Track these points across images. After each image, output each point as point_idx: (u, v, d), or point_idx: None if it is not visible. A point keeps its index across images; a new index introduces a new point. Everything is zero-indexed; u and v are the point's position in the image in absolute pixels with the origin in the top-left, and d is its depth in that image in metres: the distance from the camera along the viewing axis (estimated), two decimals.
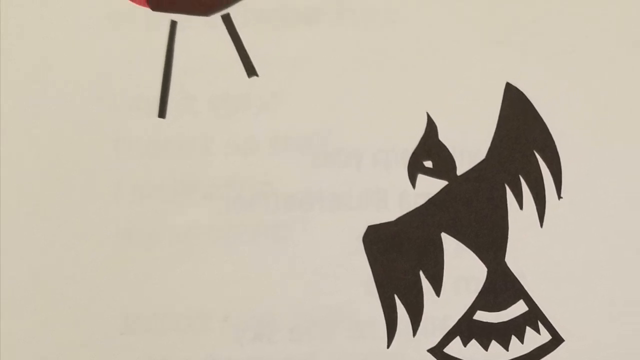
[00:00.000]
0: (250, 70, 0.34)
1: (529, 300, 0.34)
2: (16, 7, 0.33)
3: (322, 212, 0.34)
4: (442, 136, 0.34)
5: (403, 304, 0.34)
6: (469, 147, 0.34)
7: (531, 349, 0.34)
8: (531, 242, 0.34)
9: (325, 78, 0.34)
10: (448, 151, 0.34)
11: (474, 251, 0.34)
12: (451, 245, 0.34)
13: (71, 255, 0.33)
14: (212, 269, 0.34)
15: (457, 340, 0.34)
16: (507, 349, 0.34)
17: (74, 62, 0.33)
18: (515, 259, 0.34)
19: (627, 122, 0.34)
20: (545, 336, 0.34)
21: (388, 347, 0.34)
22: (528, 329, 0.34)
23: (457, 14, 0.34)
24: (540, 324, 0.34)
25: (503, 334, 0.34)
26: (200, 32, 0.34)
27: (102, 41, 0.33)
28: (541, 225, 0.34)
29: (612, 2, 0.34)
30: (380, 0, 0.34)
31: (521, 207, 0.34)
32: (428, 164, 0.34)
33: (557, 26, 0.34)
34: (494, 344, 0.34)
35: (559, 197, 0.34)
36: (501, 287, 0.34)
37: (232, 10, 0.34)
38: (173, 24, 0.34)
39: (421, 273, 0.34)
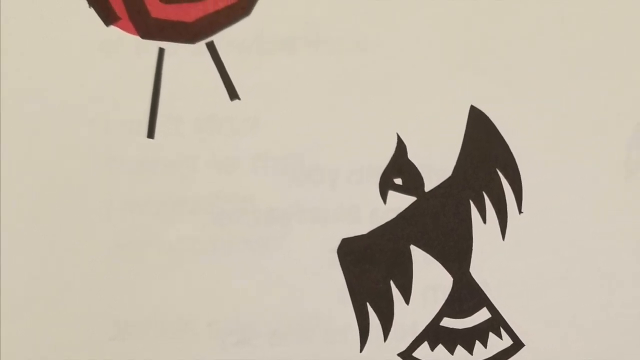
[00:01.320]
0: (233, 94, 0.34)
1: (491, 308, 0.35)
2: (17, 35, 0.34)
3: (300, 226, 0.35)
4: (411, 155, 0.34)
5: (375, 311, 0.35)
6: (436, 166, 0.35)
7: (494, 353, 0.35)
8: (494, 254, 0.35)
9: (302, 102, 0.34)
10: (416, 169, 0.34)
11: (440, 262, 0.35)
12: (419, 257, 0.35)
13: (66, 265, 0.34)
14: (198, 278, 0.34)
15: (425, 345, 0.35)
16: (471, 353, 0.35)
17: (69, 87, 0.34)
18: (479, 270, 0.35)
19: (581, 142, 0.35)
20: (507, 341, 0.35)
21: (361, 351, 0.35)
22: (491, 334, 0.35)
23: (424, 42, 0.34)
24: (502, 330, 0.35)
25: (468, 339, 0.35)
26: (186, 58, 0.34)
27: (96, 67, 0.34)
28: (503, 238, 0.35)
29: (566, 32, 0.34)
30: (351, 30, 0.34)
31: (484, 221, 0.35)
32: (398, 181, 0.34)
33: (517, 53, 0.34)
34: (459, 349, 0.35)
35: (520, 211, 0.35)
36: (466, 295, 0.35)
37: (216, 39, 0.34)
38: (161, 51, 0.34)
39: (391, 282, 0.35)
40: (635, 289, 0.35)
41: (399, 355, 0.35)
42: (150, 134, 0.34)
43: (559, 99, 0.35)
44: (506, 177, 0.35)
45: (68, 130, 0.34)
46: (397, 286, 0.35)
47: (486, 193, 0.35)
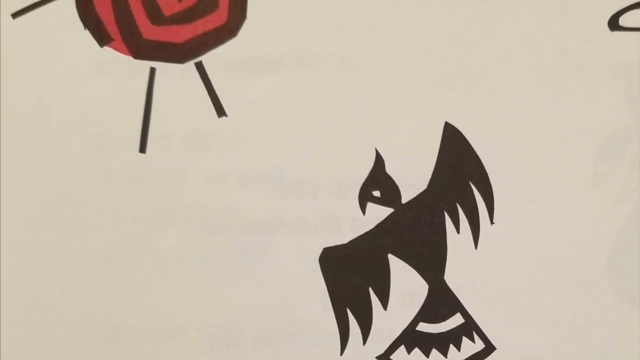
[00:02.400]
0: (220, 111, 0.35)
1: (465, 314, 0.35)
2: (17, 55, 0.34)
3: (284, 236, 0.35)
4: (389, 169, 0.35)
5: (354, 316, 0.35)
6: (412, 179, 0.35)
7: (467, 356, 0.36)
8: (467, 262, 0.35)
9: (286, 118, 0.34)
10: (394, 182, 0.35)
11: (416, 270, 0.35)
12: (397, 265, 0.35)
13: (63, 272, 0.35)
14: (187, 285, 0.35)
15: (402, 349, 0.35)
16: (446, 356, 0.35)
17: (66, 104, 0.34)
18: (453, 277, 0.35)
19: (550, 156, 0.35)
20: (479, 345, 0.35)
21: (341, 354, 0.35)
22: (464, 338, 0.35)
23: (401, 62, 0.34)
24: (474, 334, 0.35)
25: (442, 343, 0.35)
26: (176, 77, 0.34)
27: (91, 85, 0.34)
28: (476, 247, 0.35)
29: (535, 53, 0.34)
30: (332, 51, 0.34)
31: (458, 232, 0.35)
32: (376, 193, 0.35)
33: (489, 73, 0.34)
34: (434, 352, 0.35)
35: (492, 222, 0.35)
36: (440, 301, 0.35)
37: (204, 59, 0.34)
38: (152, 71, 0.34)
39: (370, 289, 0.35)
40: (601, 296, 0.35)
41: (377, 358, 0.35)
42: (142, 148, 0.35)
43: (528, 116, 0.35)
44: (479, 190, 0.35)
45: (65, 144, 0.34)
46: (375, 293, 0.35)
47: (460, 205, 0.35)
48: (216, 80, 0.35)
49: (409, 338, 0.35)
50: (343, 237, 0.35)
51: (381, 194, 0.35)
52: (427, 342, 0.35)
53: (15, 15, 0.34)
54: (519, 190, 0.35)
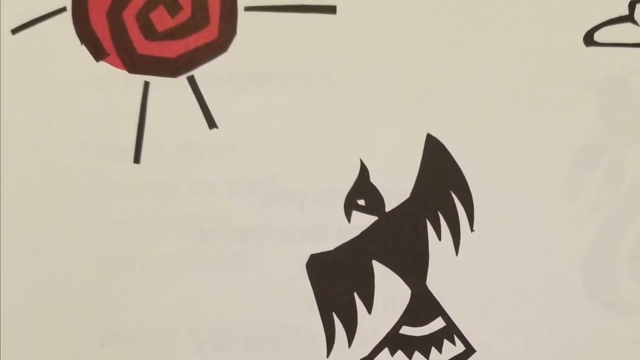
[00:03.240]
0: (211, 123, 0.35)
1: (446, 317, 0.35)
2: (17, 70, 0.34)
3: (272, 243, 0.35)
4: (373, 179, 0.35)
5: (340, 320, 0.35)
6: (395, 188, 0.35)
7: (448, 358, 0.36)
8: (448, 268, 0.35)
9: (274, 130, 0.35)
10: (378, 191, 0.35)
11: (399, 276, 0.35)
12: (380, 271, 0.35)
13: (61, 278, 0.35)
14: (179, 290, 0.35)
15: (386, 351, 0.35)
16: (427, 358, 0.35)
17: (64, 116, 0.34)
18: (434, 282, 0.35)
19: (528, 167, 0.35)
20: (459, 347, 0.36)
21: (327, 356, 0.35)
22: (445, 341, 0.36)
23: (385, 77, 0.35)
24: (455, 337, 0.35)
25: (424, 345, 0.36)
26: (169, 91, 0.35)
27: (87, 99, 0.34)
28: (456, 254, 0.35)
29: (513, 68, 0.35)
30: (317, 67, 0.35)
31: (440, 239, 0.35)
32: (361, 202, 0.35)
33: (469, 88, 0.35)
34: (416, 354, 0.36)
35: (472, 230, 0.35)
36: (423, 306, 0.35)
37: (196, 73, 0.35)
38: (146, 84, 0.35)
39: (355, 294, 0.35)
40: (577, 301, 0.35)
41: None
42: (137, 159, 0.35)
43: (507, 128, 0.35)
44: (459, 199, 0.35)
45: (62, 155, 0.34)
46: (360, 297, 0.35)
47: (441, 213, 0.35)
48: (207, 93, 0.35)
49: (393, 341, 0.35)
50: (329, 244, 0.35)
51: (366, 203, 0.35)
52: (409, 345, 0.35)
53: (14, 31, 0.34)
54: (498, 199, 0.35)
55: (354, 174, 0.35)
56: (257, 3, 0.35)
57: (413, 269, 0.35)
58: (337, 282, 0.35)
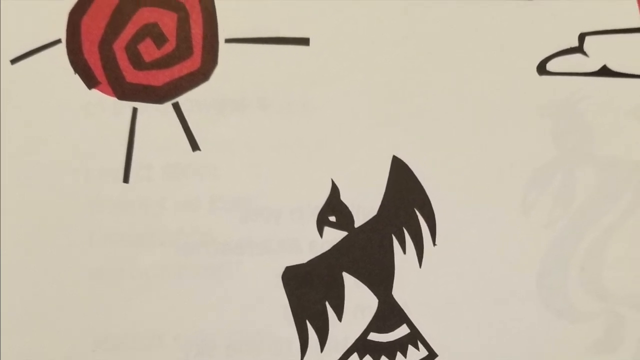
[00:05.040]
0: (194, 146, 0.35)
1: (410, 324, 0.36)
2: (16, 98, 0.35)
3: (250, 256, 0.35)
4: (343, 197, 0.36)
5: (313, 327, 0.36)
6: (364, 206, 0.36)
7: None
8: (412, 279, 0.36)
9: (253, 153, 0.35)
10: (348, 209, 0.35)
11: (368, 286, 0.36)
12: (350, 282, 0.36)
13: (57, 288, 0.35)
14: (165, 299, 0.35)
15: (355, 356, 0.36)
16: None
17: (58, 140, 0.35)
18: (400, 292, 0.36)
19: (486, 186, 0.36)
20: (423, 352, 0.36)
21: None
22: (410, 346, 0.36)
23: (353, 105, 0.35)
24: (419, 343, 0.36)
25: (390, 351, 0.36)
26: (155, 116, 0.35)
27: (80, 123, 0.35)
28: (420, 266, 0.36)
29: (471, 93, 0.35)
30: (292, 94, 0.35)
31: (405, 252, 0.36)
32: (332, 218, 0.35)
33: (430, 113, 0.36)
34: (383, 359, 0.36)
35: (434, 244, 0.36)
36: (389, 314, 0.36)
37: (180, 100, 0.35)
38: (134, 110, 0.35)
39: (327, 303, 0.36)
40: (532, 309, 0.36)
41: None
42: (126, 179, 0.35)
43: (466, 150, 0.36)
44: (422, 215, 0.36)
45: (58, 175, 0.35)
46: (331, 306, 0.36)
47: (406, 229, 0.36)
48: (191, 118, 0.35)
49: (361, 346, 0.36)
50: (303, 257, 0.36)
51: (337, 219, 0.35)
52: (377, 350, 0.36)
53: (13, 61, 0.35)
54: (458, 216, 0.36)
55: (325, 192, 0.35)
56: (236, 35, 0.35)
57: (380, 280, 0.36)
58: (310, 292, 0.36)
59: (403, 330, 0.36)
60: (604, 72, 0.36)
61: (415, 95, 0.36)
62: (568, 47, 0.36)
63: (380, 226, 0.36)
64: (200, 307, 0.36)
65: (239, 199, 0.35)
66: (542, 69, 0.36)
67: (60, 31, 0.35)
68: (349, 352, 0.36)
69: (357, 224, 0.36)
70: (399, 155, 0.36)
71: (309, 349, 0.36)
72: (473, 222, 0.36)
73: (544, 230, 0.36)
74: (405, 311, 0.36)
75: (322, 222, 0.36)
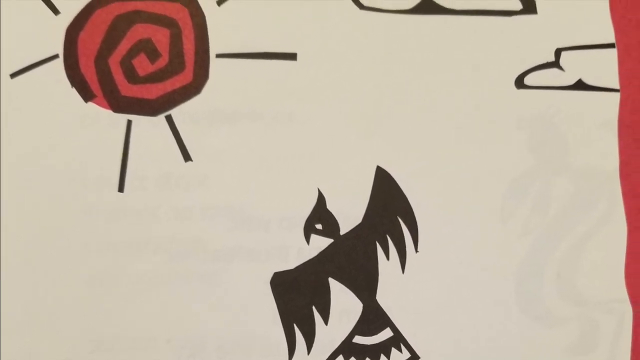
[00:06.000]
0: (187, 157, 0.36)
1: (393, 328, 0.36)
2: (15, 110, 0.35)
3: (240, 262, 0.36)
4: (329, 206, 0.36)
5: (300, 330, 0.36)
6: (349, 214, 0.36)
7: None
8: (395, 284, 0.36)
9: (242, 163, 0.36)
10: (333, 217, 0.36)
11: (352, 291, 0.36)
12: (336, 287, 0.36)
13: (55, 293, 0.36)
14: (159, 303, 0.36)
15: (341, 358, 0.36)
16: None
17: (56, 151, 0.35)
18: (383, 297, 0.36)
19: (466, 195, 0.36)
20: (405, 354, 0.37)
21: None
22: (393, 349, 0.36)
23: (339, 117, 0.36)
24: (402, 345, 0.36)
25: (375, 353, 0.36)
26: (149, 128, 0.36)
27: (77, 135, 0.35)
28: (403, 272, 0.36)
29: (453, 106, 0.36)
30: (280, 107, 0.36)
31: (388, 259, 0.36)
32: (319, 226, 0.36)
33: (414, 124, 0.36)
34: None
35: (416, 251, 0.36)
36: (373, 318, 0.36)
37: (173, 112, 0.36)
38: (129, 122, 0.35)
39: (314, 307, 0.36)
40: (510, 313, 0.36)
41: None
42: (121, 188, 0.36)
43: (448, 161, 0.36)
44: (405, 223, 0.36)
45: (56, 184, 0.35)
46: (318, 310, 0.36)
47: (389, 236, 0.36)
48: (183, 130, 0.36)
49: (346, 349, 0.36)
50: (290, 263, 0.36)
51: (323, 227, 0.36)
52: (361, 352, 0.36)
53: (13, 75, 0.35)
54: (439, 224, 0.36)
55: (312, 201, 0.36)
56: (227, 51, 0.36)
57: (364, 285, 0.36)
58: (297, 297, 0.36)
59: (386, 334, 0.36)
60: (579, 85, 0.37)
61: (398, 109, 0.36)
62: (545, 62, 0.37)
63: (364, 234, 0.36)
64: (193, 311, 0.36)
65: (229, 208, 0.36)
66: (520, 82, 0.37)
67: (58, 47, 0.36)
68: (334, 355, 0.37)
69: (342, 232, 0.36)
70: (383, 166, 0.36)
71: (296, 351, 0.36)
72: (454, 230, 0.36)
73: (522, 238, 0.37)
74: (389, 315, 0.37)
75: (309, 229, 0.36)
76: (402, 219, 0.36)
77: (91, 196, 0.36)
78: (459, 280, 0.37)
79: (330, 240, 0.36)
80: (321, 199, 0.36)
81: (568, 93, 0.37)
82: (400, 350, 0.37)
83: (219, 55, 0.36)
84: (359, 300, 0.36)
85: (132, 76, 0.36)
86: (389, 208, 0.36)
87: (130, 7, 0.35)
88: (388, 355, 0.37)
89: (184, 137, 0.36)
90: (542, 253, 0.37)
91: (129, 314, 0.36)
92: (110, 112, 0.36)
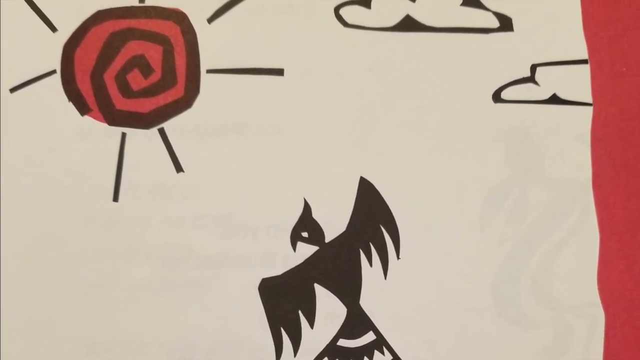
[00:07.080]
0: (178, 168, 0.36)
1: (376, 331, 0.37)
2: (15, 124, 0.36)
3: (230, 269, 0.36)
4: (315, 215, 0.37)
5: (287, 334, 0.36)
6: (333, 222, 0.37)
7: None
8: (378, 290, 0.37)
9: (232, 174, 0.36)
10: (319, 225, 0.36)
11: (337, 296, 0.37)
12: (321, 292, 0.37)
13: (52, 299, 0.36)
14: (152, 309, 0.36)
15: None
16: None
17: (53, 162, 0.36)
18: (366, 302, 0.37)
19: (445, 204, 0.37)
20: (388, 357, 0.37)
21: None
22: (376, 352, 0.37)
23: (324, 130, 0.37)
24: (384, 348, 0.37)
25: (358, 355, 0.37)
26: (142, 140, 0.36)
27: (74, 147, 0.36)
28: (385, 278, 0.37)
29: (432, 119, 0.37)
30: (268, 120, 0.36)
31: (371, 265, 0.37)
32: (305, 234, 0.36)
33: (395, 136, 0.37)
34: None
35: (398, 258, 0.37)
36: (356, 322, 0.37)
37: (165, 125, 0.36)
38: (123, 135, 0.36)
39: (300, 312, 0.37)
40: (487, 317, 0.37)
41: None
42: (115, 197, 0.36)
43: (428, 171, 0.37)
44: (387, 231, 0.37)
45: (53, 194, 0.36)
46: (304, 315, 0.36)
47: (372, 243, 0.36)
48: (175, 142, 0.36)
49: (331, 351, 0.37)
50: (278, 269, 0.36)
51: (309, 235, 0.37)
52: (345, 355, 0.37)
53: (12, 90, 0.36)
54: (420, 232, 0.37)
55: (298, 210, 0.37)
56: (217, 66, 0.37)
57: (348, 290, 0.37)
58: (284, 302, 0.37)
59: (369, 337, 0.37)
60: (554, 100, 0.38)
61: (380, 121, 0.37)
62: (521, 77, 0.37)
63: (348, 241, 0.37)
64: (184, 316, 0.37)
65: (219, 217, 0.36)
66: (497, 97, 0.37)
67: (55, 62, 0.36)
68: (320, 357, 0.37)
69: (327, 239, 0.37)
70: (366, 177, 0.37)
71: (283, 354, 0.37)
72: (434, 238, 0.37)
73: (499, 245, 0.37)
74: (372, 319, 0.37)
75: (295, 237, 0.37)
76: (384, 227, 0.37)
77: (87, 205, 0.36)
78: (439, 285, 0.37)
79: (316, 248, 0.37)
80: (307, 208, 0.37)
81: (543, 107, 0.37)
82: (383, 353, 0.37)
83: (209, 71, 0.37)
84: (343, 305, 0.37)
85: (126, 91, 0.36)
86: (372, 217, 0.37)
87: (124, 24, 0.36)
88: (371, 358, 0.37)
89: (175, 149, 0.37)
90: (518, 259, 0.37)
91: (123, 318, 0.36)
92: (105, 125, 0.36)
